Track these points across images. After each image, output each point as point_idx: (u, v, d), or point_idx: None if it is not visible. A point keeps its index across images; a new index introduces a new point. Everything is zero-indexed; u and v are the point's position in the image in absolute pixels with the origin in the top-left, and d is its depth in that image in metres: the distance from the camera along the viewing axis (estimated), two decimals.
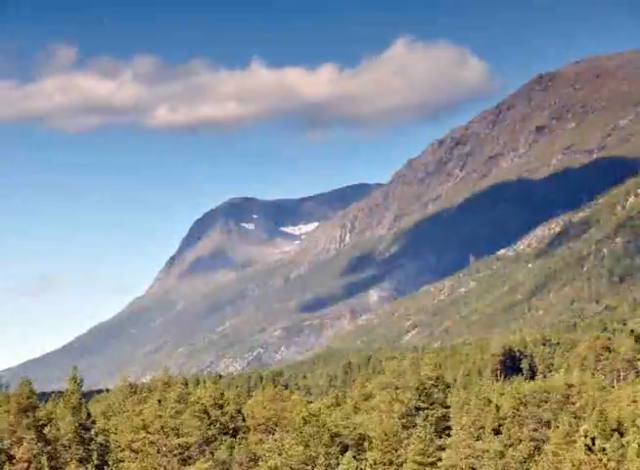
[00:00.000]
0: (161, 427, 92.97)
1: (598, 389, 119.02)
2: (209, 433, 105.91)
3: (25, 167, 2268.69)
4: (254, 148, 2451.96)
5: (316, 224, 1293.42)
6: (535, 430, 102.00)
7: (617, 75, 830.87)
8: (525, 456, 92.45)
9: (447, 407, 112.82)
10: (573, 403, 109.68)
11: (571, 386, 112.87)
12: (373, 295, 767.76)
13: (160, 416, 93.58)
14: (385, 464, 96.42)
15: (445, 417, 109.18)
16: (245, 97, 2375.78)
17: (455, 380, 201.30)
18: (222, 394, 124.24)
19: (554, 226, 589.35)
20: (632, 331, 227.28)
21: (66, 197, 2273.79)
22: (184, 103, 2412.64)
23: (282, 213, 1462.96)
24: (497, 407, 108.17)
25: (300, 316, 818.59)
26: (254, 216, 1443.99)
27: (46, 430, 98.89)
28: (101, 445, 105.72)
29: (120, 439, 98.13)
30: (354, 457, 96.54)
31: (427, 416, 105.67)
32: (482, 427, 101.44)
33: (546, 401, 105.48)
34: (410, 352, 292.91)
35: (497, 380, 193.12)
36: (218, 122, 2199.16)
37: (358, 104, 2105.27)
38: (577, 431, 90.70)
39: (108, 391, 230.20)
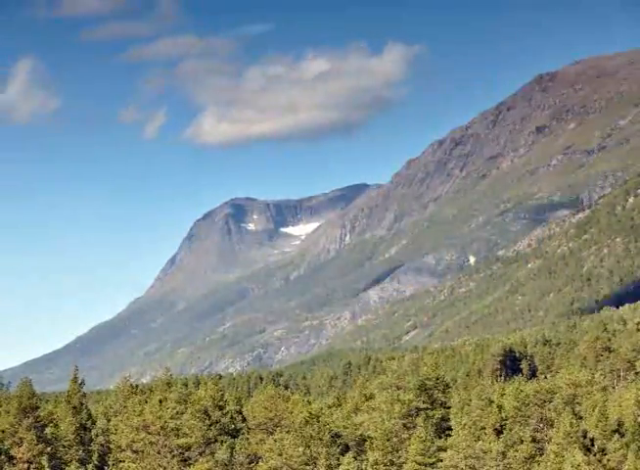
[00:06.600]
0: (162, 427, 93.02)
1: (599, 389, 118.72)
2: (210, 433, 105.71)
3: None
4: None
5: (316, 224, 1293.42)
6: (537, 430, 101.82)
7: (617, 75, 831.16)
8: (527, 457, 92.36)
9: (448, 408, 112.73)
10: (579, 403, 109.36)
11: (578, 385, 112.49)
12: (373, 295, 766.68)
13: (161, 417, 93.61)
14: (385, 465, 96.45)
15: (446, 418, 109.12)
16: None
17: (455, 380, 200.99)
18: (222, 394, 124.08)
19: (554, 226, 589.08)
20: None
21: (65, 196, 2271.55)
22: None
23: (282, 214, 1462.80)
24: (498, 408, 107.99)
25: (300, 316, 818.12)
26: (255, 217, 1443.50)
27: (47, 430, 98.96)
28: (101, 445, 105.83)
29: (121, 439, 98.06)
30: (355, 458, 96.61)
31: (427, 417, 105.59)
32: (483, 427, 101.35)
33: (550, 401, 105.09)
34: (410, 352, 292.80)
35: (497, 380, 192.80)
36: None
37: None
38: (578, 431, 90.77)
39: (108, 391, 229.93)
